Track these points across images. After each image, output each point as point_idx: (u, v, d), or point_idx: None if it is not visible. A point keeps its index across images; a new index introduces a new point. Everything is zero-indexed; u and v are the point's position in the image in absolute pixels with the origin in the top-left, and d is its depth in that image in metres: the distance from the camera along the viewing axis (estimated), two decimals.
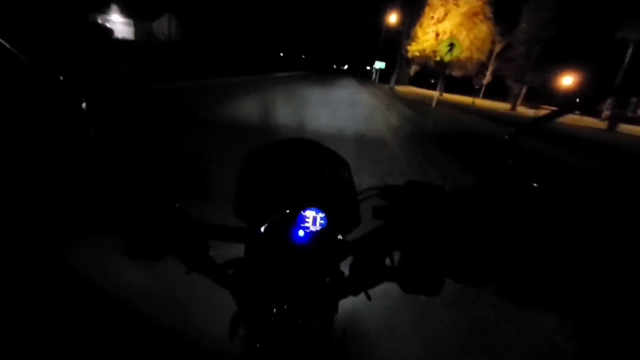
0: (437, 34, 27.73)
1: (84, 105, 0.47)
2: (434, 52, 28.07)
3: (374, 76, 37.97)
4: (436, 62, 28.73)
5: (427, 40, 27.84)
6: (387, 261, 0.51)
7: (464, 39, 26.51)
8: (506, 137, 0.47)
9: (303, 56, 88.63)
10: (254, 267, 0.50)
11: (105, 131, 0.48)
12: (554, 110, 0.49)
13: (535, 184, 0.43)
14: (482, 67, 27.62)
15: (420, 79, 35.69)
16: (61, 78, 0.44)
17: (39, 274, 1.48)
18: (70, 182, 0.45)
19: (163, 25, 27.76)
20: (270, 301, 0.48)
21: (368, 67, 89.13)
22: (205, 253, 0.52)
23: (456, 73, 28.27)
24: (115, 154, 0.48)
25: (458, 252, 0.45)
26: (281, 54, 66.00)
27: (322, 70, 57.49)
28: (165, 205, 0.50)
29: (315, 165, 0.60)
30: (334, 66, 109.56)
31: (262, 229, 0.51)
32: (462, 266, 0.44)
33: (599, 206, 0.38)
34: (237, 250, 0.53)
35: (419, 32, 28.02)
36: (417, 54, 28.06)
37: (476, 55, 26.63)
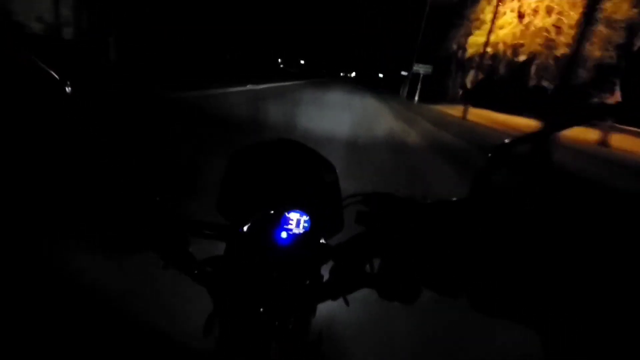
0: (521, 15, 15.69)
1: (68, 89, 0.44)
2: (516, 46, 16.01)
3: (404, 90, 23.91)
4: (509, 65, 16.74)
5: (501, 27, 15.82)
6: (367, 267, 0.50)
7: (577, 23, 14.48)
8: (489, 154, 0.48)
9: (302, 61, 67.44)
10: (234, 266, 0.50)
11: (88, 119, 0.46)
12: (545, 126, 0.48)
13: (513, 201, 0.45)
14: (609, 72, 15.11)
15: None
16: (42, 65, 0.43)
17: (16, 269, 1.50)
18: (46, 171, 0.44)
19: (41, 3, 16.16)
20: (248, 301, 0.48)
21: (381, 75, 69.63)
22: (185, 249, 0.51)
23: (548, 83, 16.09)
24: (96, 143, 0.47)
25: (435, 263, 0.46)
26: (279, 60, 51.97)
27: (324, 79, 39.85)
28: (143, 198, 0.49)
29: (301, 167, 0.61)
30: (341, 74, 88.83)
31: (245, 228, 0.52)
32: (439, 276, 0.46)
33: (575, 221, 0.41)
34: (218, 247, 0.53)
35: (486, 12, 15.98)
36: (482, 50, 15.94)
37: (597, 53, 14.51)
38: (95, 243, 0.49)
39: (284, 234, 0.52)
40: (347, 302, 0.53)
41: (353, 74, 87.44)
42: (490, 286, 0.42)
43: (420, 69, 19.29)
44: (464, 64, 17.46)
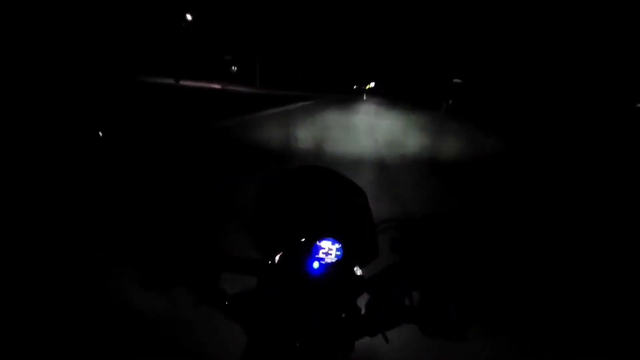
0: None
1: (100, 134, 0.49)
2: None
3: None
4: None
5: None
6: (406, 300, 0.47)
7: None
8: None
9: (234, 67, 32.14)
10: (265, 300, 0.49)
11: (121, 156, 0.48)
12: None
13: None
14: None
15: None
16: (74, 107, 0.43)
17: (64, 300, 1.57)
18: (84, 208, 0.51)
19: None
20: (283, 338, 0.47)
21: (457, 80, 31.86)
22: (216, 285, 0.50)
23: None
24: (130, 181, 0.52)
25: (485, 295, 0.43)
26: None
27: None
28: (177, 235, 0.50)
29: (331, 194, 0.59)
30: (354, 86, 47.13)
31: (276, 260, 0.51)
32: (489, 311, 0.43)
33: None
34: (250, 280, 0.52)
35: None
36: None
37: None
38: (135, 276, 0.49)
39: (316, 264, 0.50)
40: (386, 339, 0.48)
41: (372, 84, 58.97)
42: (558, 328, 0.38)
43: None
44: None
